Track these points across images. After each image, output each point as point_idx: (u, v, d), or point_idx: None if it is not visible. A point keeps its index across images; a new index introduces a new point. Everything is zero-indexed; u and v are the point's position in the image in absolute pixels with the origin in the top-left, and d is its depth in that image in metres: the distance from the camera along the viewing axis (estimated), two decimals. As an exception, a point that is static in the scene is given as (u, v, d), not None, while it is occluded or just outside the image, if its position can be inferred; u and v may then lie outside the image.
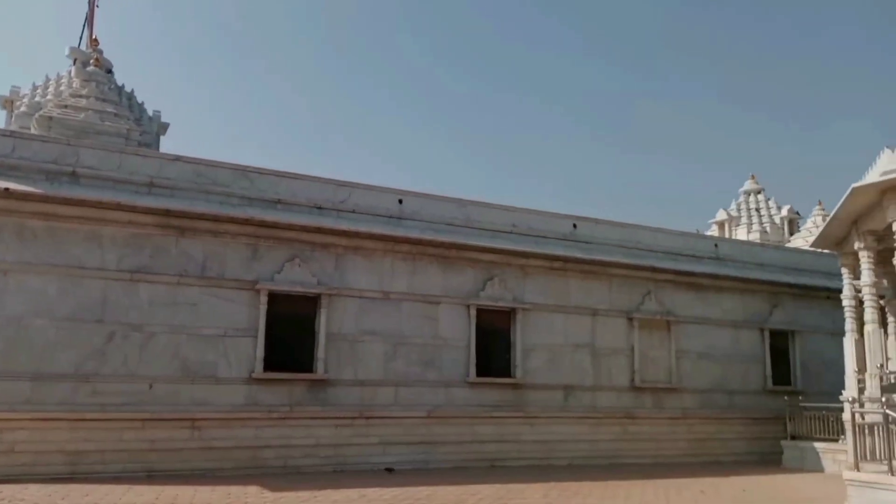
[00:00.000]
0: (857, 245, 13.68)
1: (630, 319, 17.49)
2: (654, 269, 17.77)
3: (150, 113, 19.50)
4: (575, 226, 17.39)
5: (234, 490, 10.86)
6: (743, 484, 13.35)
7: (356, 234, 14.57)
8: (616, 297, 17.44)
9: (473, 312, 15.64)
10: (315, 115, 63.60)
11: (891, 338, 14.57)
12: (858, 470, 9.85)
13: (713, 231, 28.17)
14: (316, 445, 13.73)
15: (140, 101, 19.55)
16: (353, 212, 14.95)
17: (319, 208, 14.70)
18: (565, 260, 16.73)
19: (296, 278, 14.08)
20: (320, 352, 14.09)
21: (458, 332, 15.45)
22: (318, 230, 14.28)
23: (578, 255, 16.84)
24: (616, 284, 17.49)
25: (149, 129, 18.59)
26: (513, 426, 15.57)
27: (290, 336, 14.02)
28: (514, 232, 16.51)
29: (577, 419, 16.33)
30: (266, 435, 13.35)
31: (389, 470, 13.82)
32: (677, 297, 18.20)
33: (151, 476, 12.09)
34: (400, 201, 15.55)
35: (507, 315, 16.20)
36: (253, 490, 10.94)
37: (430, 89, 66.86)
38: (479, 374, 15.45)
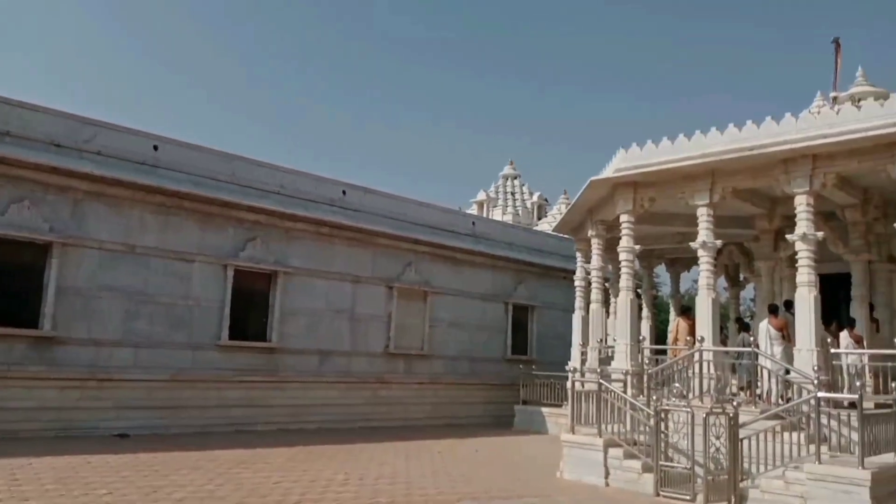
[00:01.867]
0: (590, 233, 15.24)
1: (390, 288, 17.92)
2: (416, 242, 18.35)
3: None
4: (344, 192, 17.33)
5: (-75, 461, 9.36)
6: (476, 444, 14.41)
7: (100, 179, 13.16)
8: (379, 266, 17.75)
9: (231, 273, 14.97)
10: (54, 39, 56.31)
11: (612, 317, 16.50)
12: (574, 433, 11.02)
13: (473, 210, 29.81)
14: (38, 409, 12.32)
15: None
16: (100, 153, 13.46)
17: (58, 146, 13.01)
18: (332, 226, 16.63)
19: (23, 222, 12.40)
20: (48, 306, 12.60)
21: (213, 292, 14.71)
22: (54, 170, 12.67)
23: (346, 221, 16.84)
24: (380, 253, 17.80)
25: None
26: (263, 391, 15.26)
27: (12, 287, 12.36)
28: (281, 193, 16.03)
29: (331, 384, 16.45)
30: (-26, 397, 11.68)
31: (123, 436, 12.82)
32: (435, 269, 19.01)
33: None
34: (155, 148, 14.31)
35: (268, 278, 15.75)
36: (-50, 460, 9.51)
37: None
38: (232, 337, 14.86)
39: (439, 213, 19.77)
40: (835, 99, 13.93)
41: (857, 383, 9.43)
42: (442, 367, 18.97)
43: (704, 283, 11.96)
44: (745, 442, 9.12)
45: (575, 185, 14.37)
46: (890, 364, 9.80)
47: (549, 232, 22.54)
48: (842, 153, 10.50)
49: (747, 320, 16.97)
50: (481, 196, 30.15)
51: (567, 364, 16.51)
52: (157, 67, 71.73)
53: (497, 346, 20.49)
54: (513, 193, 30.75)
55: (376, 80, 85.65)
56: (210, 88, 79.34)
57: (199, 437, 13.14)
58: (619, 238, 13.25)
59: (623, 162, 12.91)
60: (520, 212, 29.80)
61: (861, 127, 10.08)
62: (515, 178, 31.34)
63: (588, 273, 15.95)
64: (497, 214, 29.28)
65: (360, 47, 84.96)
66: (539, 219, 30.05)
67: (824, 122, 10.64)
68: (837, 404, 9.36)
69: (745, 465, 9.14)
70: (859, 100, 12.43)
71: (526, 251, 21.66)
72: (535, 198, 30.80)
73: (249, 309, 15.39)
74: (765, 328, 11.86)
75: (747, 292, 23.14)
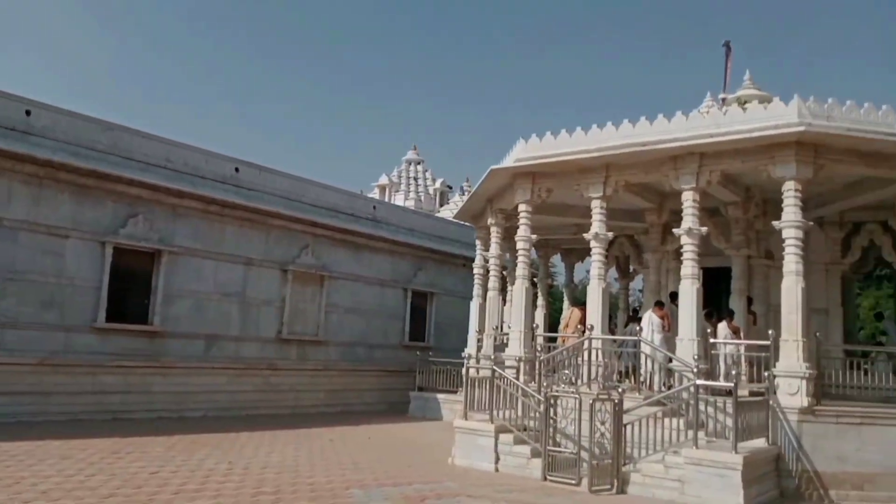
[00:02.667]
0: (490, 221, 15.30)
1: (285, 271, 17.39)
2: (314, 224, 17.88)
3: None
4: (237, 169, 16.62)
5: None
6: (370, 432, 14.24)
7: (-38, 144, 12.00)
8: (273, 248, 17.17)
9: (110, 251, 14.05)
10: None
11: (508, 304, 16.67)
12: (467, 419, 11.05)
13: (375, 194, 29.47)
14: None
15: None
16: (-38, 116, 12.27)
17: (-88, 105, 11.76)
18: (223, 204, 15.91)
19: None
20: None
21: (89, 271, 13.76)
22: None
23: (238, 200, 16.15)
24: (275, 235, 17.22)
25: None
26: (144, 376, 14.45)
27: None
28: (168, 167, 15.17)
29: (218, 370, 15.79)
30: None
31: (-17, 424, 11.82)
32: (333, 253, 18.61)
33: None
34: (28, 113, 13.19)
35: (151, 257, 14.90)
36: None
37: None
38: (109, 319, 13.97)
39: (339, 195, 19.33)
40: (723, 100, 14.50)
41: (733, 372, 9.91)
42: (337, 353, 18.64)
43: (596, 274, 12.22)
44: (629, 427, 9.39)
45: (479, 174, 14.36)
46: (763, 354, 10.33)
47: (451, 219, 22.56)
48: (727, 152, 10.92)
49: (637, 310, 17.56)
50: (383, 180, 29.82)
51: (464, 351, 16.57)
52: None
53: (395, 333, 20.34)
54: (416, 179, 30.60)
55: (278, 57, 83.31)
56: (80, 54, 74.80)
57: (70, 425, 12.29)
58: (518, 227, 13.35)
59: (523, 152, 12.98)
60: (422, 198, 29.69)
61: (745, 128, 10.51)
62: (419, 163, 31.18)
63: (487, 261, 16.03)
64: (399, 199, 29.06)
65: (258, 23, 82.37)
66: (441, 205, 30.05)
67: (712, 121, 11.03)
68: (715, 392, 9.77)
69: (629, 450, 9.42)
70: (745, 102, 12.98)
71: (427, 237, 21.58)
72: (437, 184, 30.78)
73: (130, 290, 14.51)
74: (648, 318, 12.27)
75: (636, 283, 24.04)
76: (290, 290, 17.46)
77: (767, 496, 9.21)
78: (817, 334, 10.93)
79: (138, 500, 7.33)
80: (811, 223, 10.87)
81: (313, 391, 17.81)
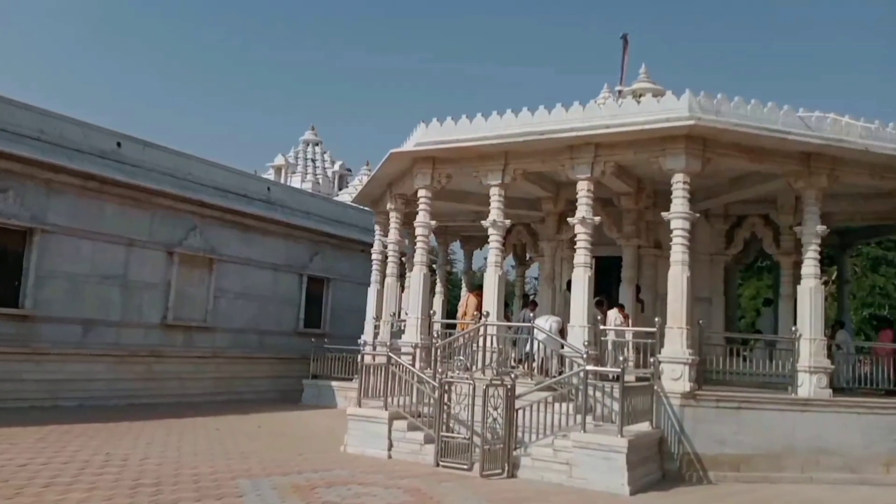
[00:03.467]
0: (389, 206, 15.10)
1: (170, 254, 16.50)
2: (202, 204, 17.04)
3: None
4: (119, 144, 15.58)
5: None
6: (260, 420, 13.79)
7: None
8: (158, 229, 16.24)
9: (-27, 228, 12.86)
10: None
11: (406, 291, 16.53)
12: (360, 406, 10.86)
13: (270, 175, 28.58)
14: None
15: None
16: None
17: None
18: (103, 180, 14.87)
19: None
20: None
21: (-52, 249, 12.54)
22: None
23: (119, 177, 15.14)
24: (160, 215, 16.28)
25: None
26: (13, 363, 13.35)
27: None
28: (42, 139, 14.01)
29: (97, 357, 14.81)
30: None
31: None
32: (223, 235, 17.83)
33: None
34: None
35: (22, 235, 13.76)
36: None
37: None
38: (-28, 301, 12.81)
39: (230, 174, 18.50)
40: (620, 93, 14.88)
41: (620, 358, 10.19)
42: (227, 340, 17.91)
43: (493, 261, 12.28)
44: (521, 412, 9.48)
45: (380, 157, 14.07)
46: (650, 341, 10.68)
47: (349, 203, 22.15)
48: (621, 144, 11.19)
49: (528, 296, 17.87)
50: (279, 161, 28.92)
51: (361, 338, 16.32)
52: None
53: (289, 319, 19.80)
54: (313, 160, 29.88)
55: (173, 38, 79.39)
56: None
57: (-78, 418, 11.21)
58: (417, 213, 13.22)
59: (423, 136, 12.85)
60: (320, 180, 29.03)
61: (639, 120, 10.79)
62: (317, 144, 30.46)
63: (385, 246, 15.81)
64: (296, 181, 28.28)
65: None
66: (340, 189, 29.51)
67: (608, 112, 11.27)
68: (603, 377, 10.03)
69: (520, 435, 9.51)
70: (640, 95, 13.34)
71: (324, 221, 21.10)
72: (336, 167, 30.19)
73: (-2, 270, 13.37)
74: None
75: (532, 271, 24.52)
76: (177, 274, 16.58)
77: (651, 478, 9.53)
78: (700, 322, 11.41)
79: (4, 495, 6.75)
80: (698, 215, 11.31)
81: (200, 379, 17.02)
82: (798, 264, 12.02)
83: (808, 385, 10.83)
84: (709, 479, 10.05)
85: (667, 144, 10.72)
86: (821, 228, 11.19)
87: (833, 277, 22.04)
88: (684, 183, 10.69)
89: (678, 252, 10.68)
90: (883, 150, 11.01)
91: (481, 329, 11.32)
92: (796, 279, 11.89)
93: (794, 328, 11.26)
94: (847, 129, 11.00)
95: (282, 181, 27.70)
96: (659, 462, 10.03)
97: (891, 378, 12.07)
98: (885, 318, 24.81)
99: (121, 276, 15.44)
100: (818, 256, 11.27)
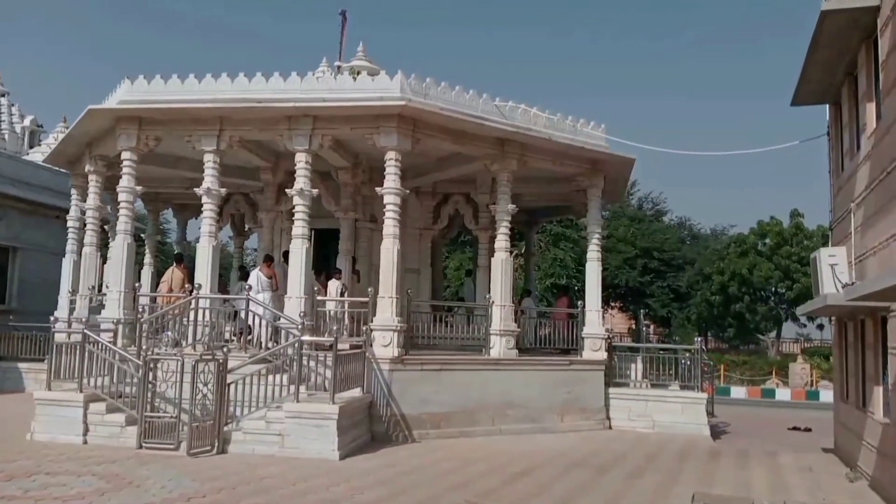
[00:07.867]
0: (88, 168, 13.67)
1: None
2: None
3: None
4: None
5: None
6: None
7: None
8: None
9: None
10: None
11: (109, 262, 15.15)
12: (50, 389, 9.83)
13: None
14: None
15: None
16: None
17: None
18: None
19: None
20: None
21: None
22: None
23: None
24: None
25: None
26: None
27: None
28: None
29: None
30: None
31: None
32: None
33: None
34: None
35: None
36: None
37: None
38: None
39: None
40: (339, 68, 15.06)
41: (335, 328, 10.52)
42: None
43: (206, 231, 11.81)
44: (233, 387, 9.35)
45: (79, 113, 12.57)
46: (364, 310, 11.15)
47: (41, 163, 19.57)
48: (339, 118, 11.41)
49: (250, 269, 17.48)
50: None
51: (53, 314, 14.61)
52: None
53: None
54: (-2, 113, 25.79)
55: None
56: None
57: None
58: (121, 177, 12.17)
59: (128, 94, 11.86)
60: (6, 136, 25.14)
61: (355, 97, 11.10)
62: (3, 95, 26.29)
63: (84, 213, 14.30)
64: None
65: None
66: (31, 147, 25.84)
67: (325, 86, 11.41)
68: (319, 347, 10.25)
69: (233, 410, 9.38)
70: (358, 73, 13.68)
71: (10, 183, 18.48)
72: (27, 122, 26.32)
73: None
74: (255, 276, 12.32)
75: (252, 242, 23.97)
76: None
77: (360, 441, 10.04)
78: (409, 291, 12.18)
79: None
80: (409, 191, 12.00)
81: None
82: (493, 239, 13.35)
83: (499, 346, 12.17)
84: (413, 438, 10.83)
85: (381, 122, 11.17)
86: (511, 207, 12.56)
87: (521, 251, 24.86)
88: (396, 160, 11.24)
89: (390, 226, 11.24)
90: (562, 139, 12.65)
91: (192, 302, 10.86)
92: (491, 252, 13.23)
93: (487, 296, 12.55)
94: (534, 119, 12.44)
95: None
96: (368, 425, 10.57)
97: (565, 338, 13.98)
98: (563, 286, 28.70)
99: None
100: (509, 232, 12.66)
